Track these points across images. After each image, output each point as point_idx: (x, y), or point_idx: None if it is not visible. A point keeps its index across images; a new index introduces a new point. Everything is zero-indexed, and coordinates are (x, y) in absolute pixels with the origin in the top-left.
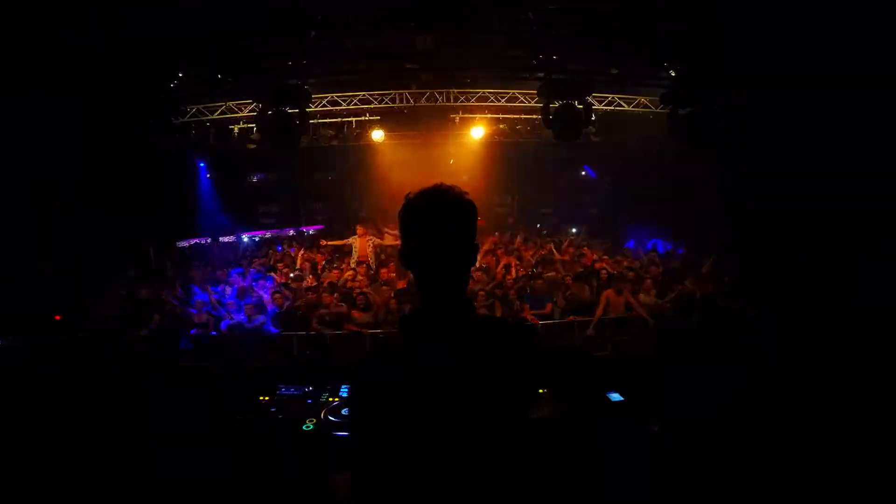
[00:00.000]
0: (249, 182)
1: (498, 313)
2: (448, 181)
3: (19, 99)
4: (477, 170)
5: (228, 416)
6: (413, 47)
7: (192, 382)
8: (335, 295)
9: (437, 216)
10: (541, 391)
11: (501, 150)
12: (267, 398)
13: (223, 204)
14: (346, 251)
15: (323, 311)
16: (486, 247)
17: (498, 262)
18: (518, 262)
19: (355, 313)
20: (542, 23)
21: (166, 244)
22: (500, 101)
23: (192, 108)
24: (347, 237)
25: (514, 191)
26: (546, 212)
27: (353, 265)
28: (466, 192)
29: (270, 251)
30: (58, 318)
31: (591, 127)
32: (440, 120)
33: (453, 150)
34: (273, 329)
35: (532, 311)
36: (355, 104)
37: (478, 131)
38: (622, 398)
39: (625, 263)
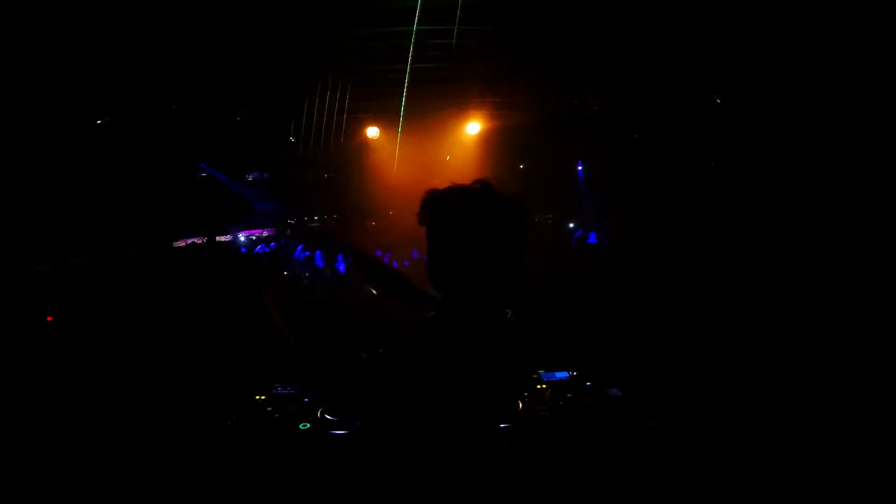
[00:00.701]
0: (244, 181)
1: None
2: (444, 177)
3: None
4: (473, 166)
5: (224, 417)
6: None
7: (185, 382)
8: None
9: (481, 217)
10: (539, 386)
11: (498, 146)
12: (263, 398)
13: (219, 202)
14: None
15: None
16: None
17: None
18: None
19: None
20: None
21: (161, 245)
22: (496, 96)
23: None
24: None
25: (512, 187)
26: (548, 217)
27: None
28: (516, 196)
29: None
30: (49, 319)
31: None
32: (436, 116)
33: (449, 146)
34: None
35: None
36: (350, 100)
37: (474, 127)
38: (620, 393)
39: None
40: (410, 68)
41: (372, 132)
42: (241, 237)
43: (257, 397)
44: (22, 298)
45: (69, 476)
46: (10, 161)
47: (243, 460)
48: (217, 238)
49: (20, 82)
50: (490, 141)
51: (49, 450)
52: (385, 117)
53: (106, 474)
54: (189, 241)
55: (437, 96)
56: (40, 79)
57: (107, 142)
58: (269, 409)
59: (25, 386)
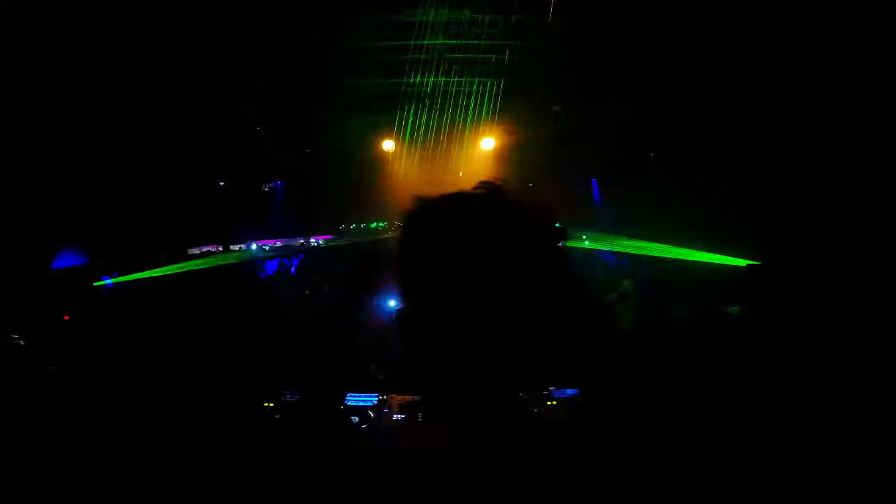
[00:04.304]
0: (262, 190)
1: None
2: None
3: None
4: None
5: (232, 424)
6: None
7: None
8: None
9: (481, 233)
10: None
11: (513, 161)
12: (272, 405)
13: (237, 212)
14: None
15: None
16: None
17: None
18: None
19: None
20: None
21: (180, 251)
22: (508, 109)
23: None
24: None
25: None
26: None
27: None
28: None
29: None
30: (66, 318)
31: None
32: (450, 130)
33: (463, 161)
34: None
35: None
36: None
37: (488, 143)
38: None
39: None
40: (425, 82)
41: (387, 145)
42: (253, 246)
43: (266, 404)
44: (39, 297)
45: (80, 480)
46: (33, 163)
47: (252, 468)
48: (231, 246)
49: (37, 87)
50: (504, 155)
51: (58, 451)
52: (400, 131)
53: (117, 479)
54: (204, 249)
55: (451, 110)
56: (61, 83)
57: (132, 148)
58: (277, 416)
59: (39, 384)
